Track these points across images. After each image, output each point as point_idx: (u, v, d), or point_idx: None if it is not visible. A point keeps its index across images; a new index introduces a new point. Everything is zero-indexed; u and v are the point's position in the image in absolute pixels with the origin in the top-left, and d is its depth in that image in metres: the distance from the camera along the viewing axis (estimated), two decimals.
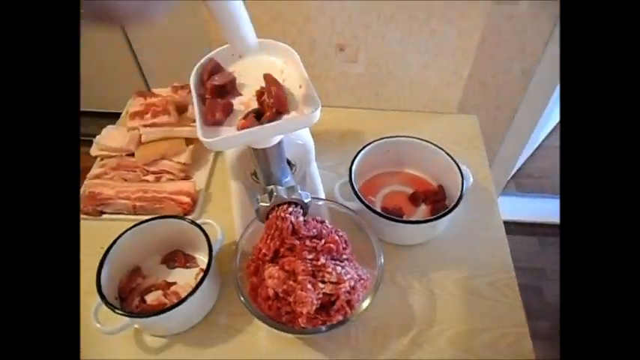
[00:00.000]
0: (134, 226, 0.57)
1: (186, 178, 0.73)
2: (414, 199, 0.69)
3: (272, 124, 0.40)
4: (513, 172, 1.62)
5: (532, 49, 0.94)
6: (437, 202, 0.68)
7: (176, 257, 0.62)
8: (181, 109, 0.80)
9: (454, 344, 0.54)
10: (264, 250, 0.49)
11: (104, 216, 0.68)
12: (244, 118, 0.44)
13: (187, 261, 0.62)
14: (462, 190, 0.62)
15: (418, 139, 0.69)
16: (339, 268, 0.48)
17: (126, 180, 0.71)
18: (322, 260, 0.48)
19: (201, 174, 0.74)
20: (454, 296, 0.59)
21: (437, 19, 0.69)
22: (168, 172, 0.71)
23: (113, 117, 0.84)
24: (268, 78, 0.45)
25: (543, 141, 1.74)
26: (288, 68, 0.48)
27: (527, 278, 1.39)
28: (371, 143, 0.68)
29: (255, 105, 0.46)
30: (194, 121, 0.77)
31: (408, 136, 0.69)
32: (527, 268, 1.42)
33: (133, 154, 0.73)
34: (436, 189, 0.70)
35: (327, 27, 0.73)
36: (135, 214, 0.67)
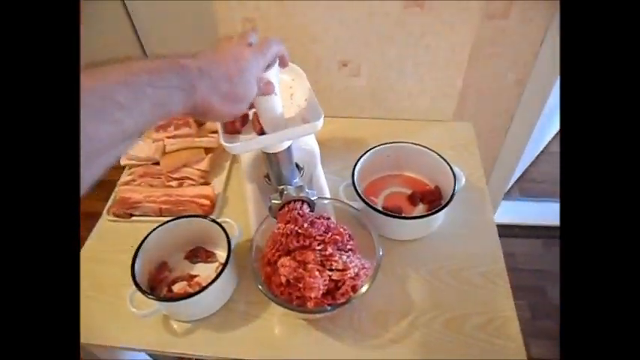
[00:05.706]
0: (161, 225, 0.64)
1: (206, 183, 0.80)
2: (413, 199, 0.75)
3: (283, 131, 0.47)
4: (517, 177, 1.67)
5: (524, 60, 1.00)
6: (433, 201, 0.74)
7: (198, 253, 0.69)
8: (200, 121, 0.88)
9: (448, 327, 0.60)
10: (268, 257, 0.56)
11: (133, 218, 0.76)
12: (258, 124, 0.52)
13: (208, 256, 0.69)
14: (455, 189, 0.68)
15: (414, 144, 0.75)
16: (344, 257, 0.55)
17: (152, 186, 0.79)
18: (330, 250, 0.54)
19: (218, 179, 0.82)
20: (449, 285, 0.65)
21: (430, 35, 0.77)
22: (189, 179, 0.79)
23: None
24: None
25: (546, 147, 1.79)
26: (295, 84, 0.55)
27: (531, 279, 1.43)
28: (372, 149, 0.75)
29: None
30: (211, 132, 0.85)
31: (404, 142, 0.76)
32: (532, 270, 1.46)
33: (158, 163, 0.81)
34: (432, 189, 0.76)
35: (332, 46, 0.81)
36: (161, 215, 0.75)
